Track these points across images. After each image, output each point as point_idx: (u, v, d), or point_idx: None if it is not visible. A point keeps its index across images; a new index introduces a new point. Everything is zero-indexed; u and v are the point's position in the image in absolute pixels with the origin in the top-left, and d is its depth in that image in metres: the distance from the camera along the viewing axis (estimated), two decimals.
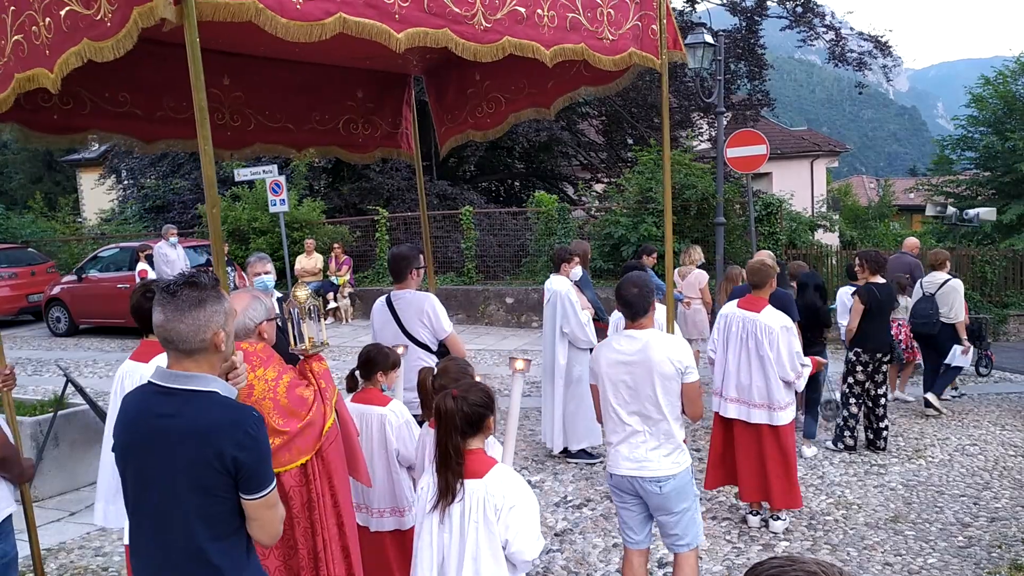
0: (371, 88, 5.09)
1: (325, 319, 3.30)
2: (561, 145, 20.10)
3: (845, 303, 7.17)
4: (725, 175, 12.71)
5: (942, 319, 7.40)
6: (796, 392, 4.94)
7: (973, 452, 6.43)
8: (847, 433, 6.48)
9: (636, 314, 3.45)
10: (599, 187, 20.04)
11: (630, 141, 19.78)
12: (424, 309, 4.54)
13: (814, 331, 6.25)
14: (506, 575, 2.52)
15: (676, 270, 8.60)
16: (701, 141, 18.51)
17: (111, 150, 20.59)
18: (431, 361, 4.40)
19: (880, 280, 6.43)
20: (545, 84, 4.52)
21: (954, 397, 8.17)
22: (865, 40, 19.30)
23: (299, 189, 16.53)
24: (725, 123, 13.35)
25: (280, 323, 3.53)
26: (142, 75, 4.03)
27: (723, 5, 18.42)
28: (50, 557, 4.77)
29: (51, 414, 5.84)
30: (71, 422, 6.03)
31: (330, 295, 13.89)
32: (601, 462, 6.17)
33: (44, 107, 3.79)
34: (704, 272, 8.44)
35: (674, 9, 19.14)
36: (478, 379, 2.80)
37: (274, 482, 2.14)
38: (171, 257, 11.94)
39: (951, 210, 12.55)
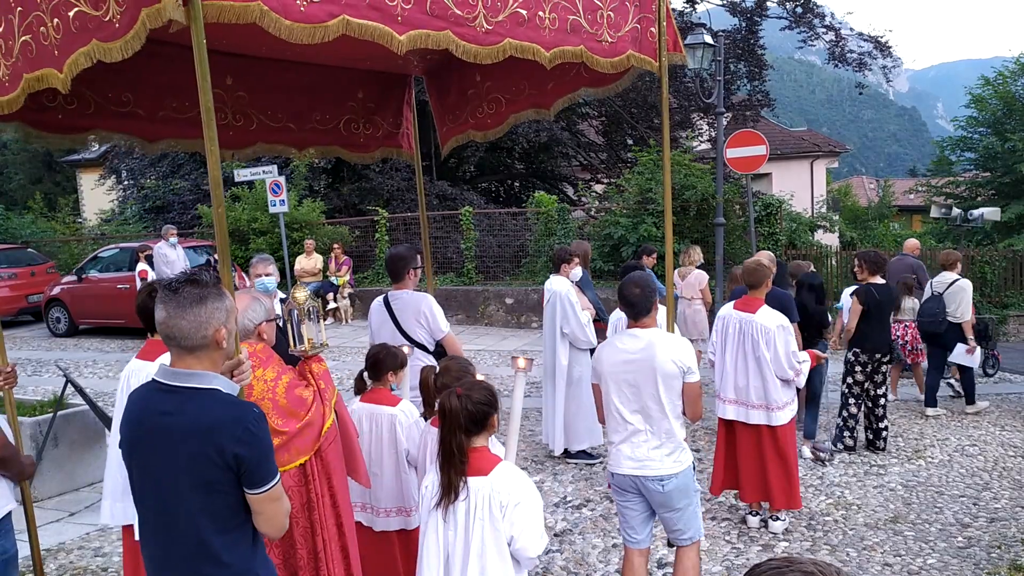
0: (372, 88, 5.11)
1: (325, 319, 3.30)
2: (561, 145, 20.12)
3: (848, 304, 7.18)
4: (725, 175, 12.71)
5: (949, 318, 7.44)
6: (797, 389, 4.94)
7: (973, 453, 6.44)
8: (846, 433, 6.48)
9: (639, 314, 3.47)
10: (599, 187, 20.06)
11: (630, 142, 19.80)
12: (421, 309, 4.56)
13: (809, 331, 6.25)
14: (511, 572, 2.54)
15: (676, 270, 8.60)
16: (701, 141, 18.52)
17: (111, 150, 20.61)
18: (428, 361, 4.42)
19: (879, 281, 6.43)
20: (545, 85, 4.55)
21: (952, 397, 8.18)
22: (865, 40, 19.31)
23: (299, 189, 16.54)
24: (725, 123, 13.35)
25: (280, 324, 3.54)
26: (146, 75, 4.05)
27: (723, 5, 18.43)
28: (49, 557, 4.78)
29: (51, 414, 5.84)
30: (71, 422, 6.03)
31: (330, 295, 13.89)
32: (601, 462, 6.17)
33: (49, 107, 3.81)
34: (703, 272, 8.43)
35: (674, 10, 19.10)
36: (480, 378, 2.81)
37: (278, 476, 2.16)
38: (171, 257, 11.95)
39: (956, 211, 12.55)
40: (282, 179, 13.85)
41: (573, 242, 9.24)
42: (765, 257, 6.14)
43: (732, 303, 5.05)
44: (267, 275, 5.11)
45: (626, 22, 3.78)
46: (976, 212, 12.34)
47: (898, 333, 7.96)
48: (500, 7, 3.23)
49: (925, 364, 8.04)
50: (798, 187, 20.16)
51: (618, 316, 5.43)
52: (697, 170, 13.31)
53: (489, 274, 14.86)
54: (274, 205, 13.85)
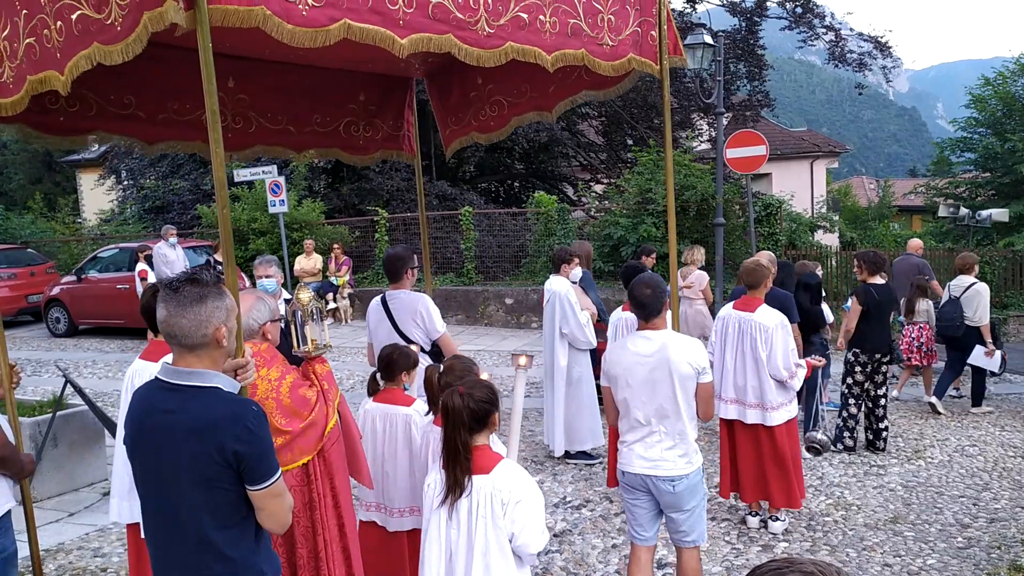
0: (373, 91, 5.13)
1: (324, 320, 3.33)
2: (561, 146, 20.13)
3: None
4: (725, 176, 12.71)
5: (966, 322, 7.48)
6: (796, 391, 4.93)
7: (973, 453, 6.44)
8: (846, 434, 6.48)
9: (650, 314, 3.49)
10: (599, 188, 20.05)
11: (630, 142, 19.81)
12: (417, 309, 4.59)
13: (806, 331, 6.24)
14: (514, 568, 2.57)
15: (679, 271, 8.60)
16: (701, 142, 18.52)
17: (111, 151, 20.61)
18: (424, 361, 4.43)
19: (879, 281, 6.43)
20: (547, 88, 4.58)
21: (955, 397, 8.18)
22: (865, 41, 19.32)
23: (298, 190, 16.54)
24: (725, 124, 13.35)
25: (283, 325, 3.55)
26: (147, 78, 4.09)
27: (723, 6, 18.44)
28: (48, 558, 4.78)
29: (50, 415, 5.83)
30: (70, 423, 6.03)
31: (329, 296, 13.89)
32: (600, 463, 6.17)
33: (52, 109, 3.84)
34: (704, 273, 8.42)
35: (674, 10, 19.17)
36: (484, 377, 2.83)
37: (279, 472, 2.19)
38: (170, 258, 11.94)
39: (963, 211, 12.57)
40: (282, 179, 13.86)
41: (575, 243, 9.24)
42: (765, 257, 6.14)
43: (732, 303, 5.06)
44: (267, 277, 5.12)
45: (627, 26, 3.81)
46: (984, 213, 12.37)
47: (912, 335, 7.98)
48: (501, 11, 3.25)
49: (937, 365, 8.08)
50: (798, 187, 20.17)
51: (618, 316, 5.43)
52: (697, 170, 13.31)
53: (489, 274, 14.87)
54: (274, 205, 13.85)
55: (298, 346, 3.17)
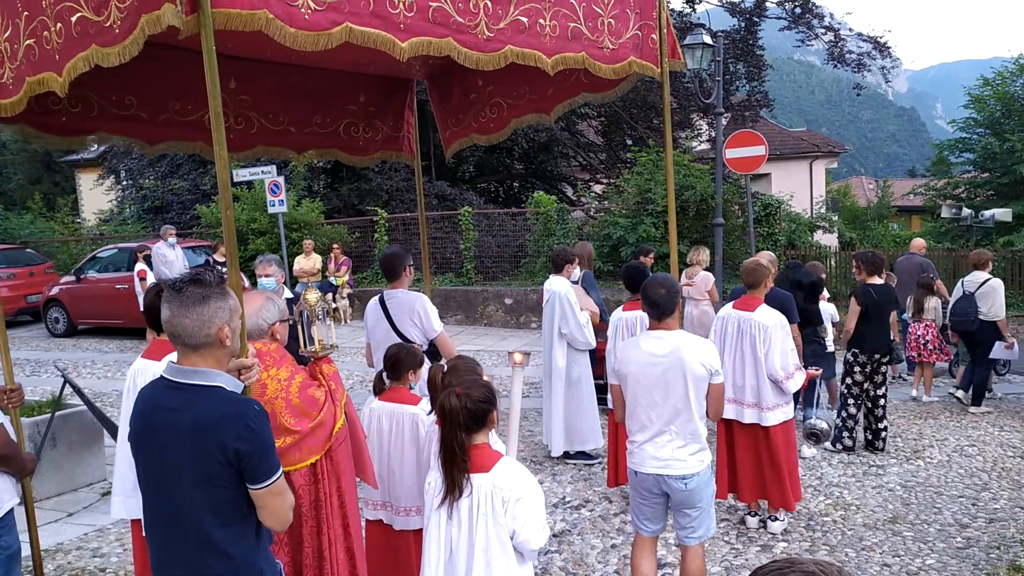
0: (374, 92, 5.16)
1: (331, 320, 3.35)
2: (560, 146, 20.13)
3: None
4: (724, 176, 12.71)
5: (981, 317, 7.54)
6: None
7: (971, 453, 6.44)
8: (845, 434, 6.49)
9: (663, 314, 3.52)
10: (598, 188, 20.05)
11: (629, 142, 19.81)
12: (415, 308, 4.61)
13: (803, 331, 6.24)
14: (515, 565, 2.59)
15: (683, 271, 8.61)
16: (700, 142, 18.52)
17: (110, 151, 20.59)
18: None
19: (877, 281, 6.44)
20: (545, 91, 4.61)
21: (955, 396, 8.19)
22: (864, 41, 19.33)
23: (298, 190, 16.54)
24: (724, 124, 13.35)
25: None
26: (149, 79, 4.10)
27: (722, 6, 18.44)
28: (47, 558, 4.77)
29: (49, 415, 5.83)
30: (69, 423, 6.02)
31: (329, 296, 13.88)
32: (599, 463, 6.17)
33: (54, 110, 3.87)
34: (710, 274, 8.41)
35: (673, 10, 19.20)
36: (486, 378, 2.85)
37: (280, 471, 2.21)
38: (169, 258, 11.93)
39: (966, 212, 12.61)
40: (281, 179, 13.85)
41: (576, 243, 9.23)
42: (765, 257, 6.15)
43: (731, 303, 5.07)
44: (267, 276, 5.13)
45: (627, 29, 3.83)
46: (987, 213, 12.41)
47: (919, 332, 8.04)
48: (501, 15, 3.27)
49: (941, 365, 8.11)
50: (797, 187, 20.18)
51: (618, 316, 5.42)
52: (696, 170, 13.31)
53: (488, 274, 14.87)
54: (273, 205, 13.84)
55: (305, 346, 3.19)
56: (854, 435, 6.50)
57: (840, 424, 6.54)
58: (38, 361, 11.62)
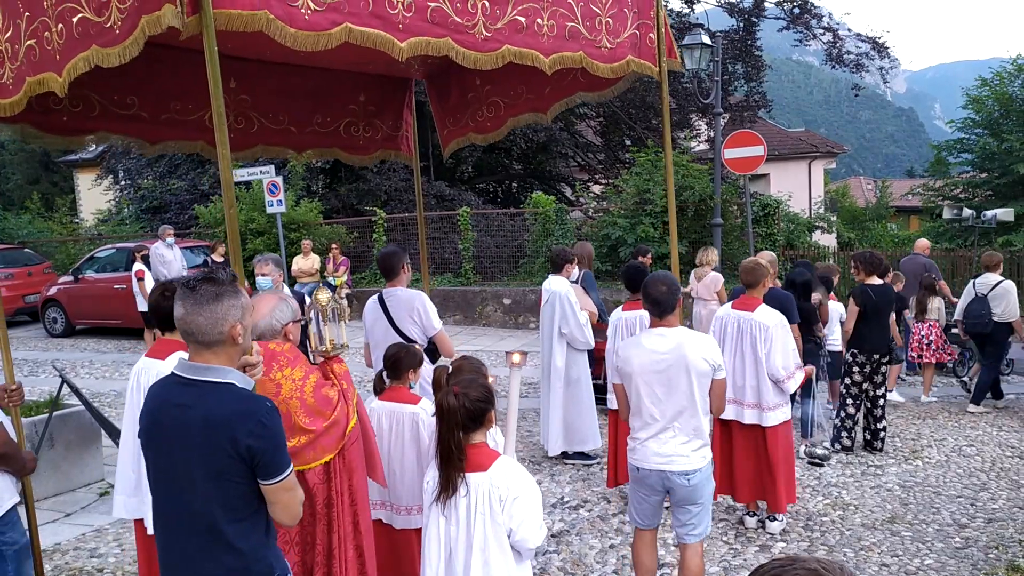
0: (373, 92, 5.17)
1: (342, 320, 3.37)
2: (559, 146, 20.12)
3: None
4: (723, 176, 12.72)
5: (995, 319, 7.57)
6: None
7: (970, 453, 6.44)
8: (844, 434, 6.49)
9: (664, 311, 3.53)
10: (597, 188, 20.05)
11: (628, 142, 19.80)
12: (415, 306, 4.62)
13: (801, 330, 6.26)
14: (512, 564, 2.60)
15: (692, 271, 8.64)
16: (699, 142, 18.53)
17: (108, 151, 20.58)
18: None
19: (876, 281, 6.44)
20: (543, 90, 4.62)
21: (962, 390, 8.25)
22: (862, 41, 19.34)
23: (296, 190, 16.53)
24: (723, 124, 13.36)
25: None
26: (150, 79, 4.12)
27: (721, 6, 18.45)
28: (45, 558, 4.75)
29: (46, 415, 5.82)
30: (66, 423, 6.01)
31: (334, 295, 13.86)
32: (598, 463, 6.17)
33: (55, 109, 3.88)
34: (719, 274, 8.42)
35: (672, 10, 19.21)
36: (491, 379, 2.86)
37: (291, 466, 2.24)
38: (168, 258, 11.91)
39: (967, 212, 12.61)
40: (279, 179, 13.83)
41: (577, 243, 9.22)
42: (765, 257, 6.16)
43: (730, 303, 5.07)
44: (263, 275, 5.13)
45: (625, 28, 3.85)
46: (989, 213, 12.41)
47: (923, 333, 8.05)
48: (499, 15, 3.29)
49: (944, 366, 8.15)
50: (796, 188, 20.17)
51: (618, 316, 5.42)
52: (695, 171, 13.32)
53: (487, 274, 14.86)
54: (271, 205, 13.83)
55: (315, 345, 3.22)
56: (853, 435, 6.50)
57: (839, 424, 6.55)
58: (36, 361, 11.61)
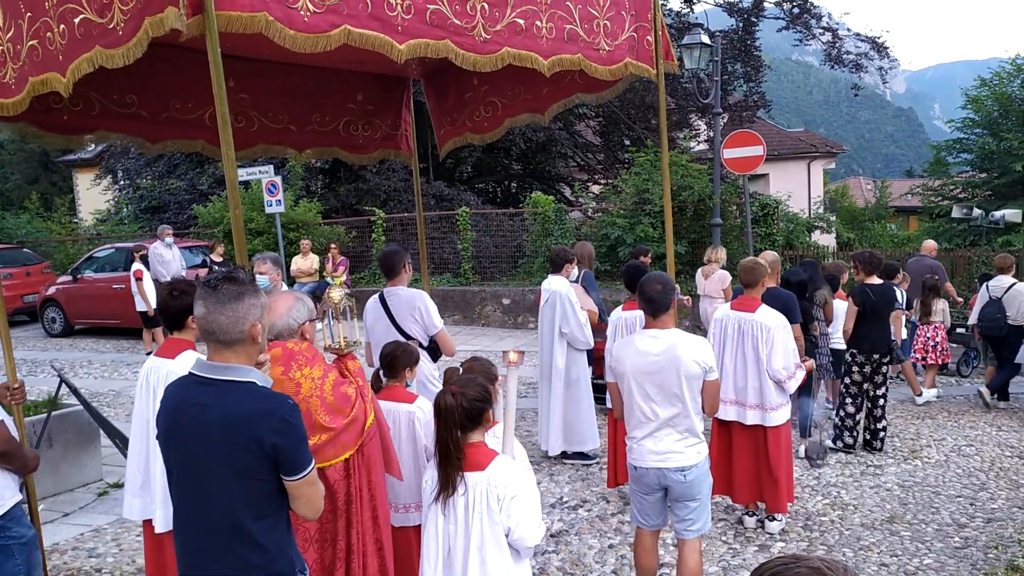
0: (372, 91, 5.18)
1: (321, 319, 3.39)
2: (558, 146, 20.12)
3: None
4: (722, 176, 12.71)
5: (1009, 321, 7.58)
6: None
7: (969, 453, 6.44)
8: (844, 433, 6.49)
9: (658, 311, 3.54)
10: (596, 188, 20.04)
11: (627, 142, 19.80)
12: (416, 305, 4.63)
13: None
14: (510, 562, 2.62)
15: (700, 269, 8.66)
16: (698, 142, 18.52)
17: (107, 150, 20.57)
18: (422, 357, 4.45)
19: (876, 281, 6.44)
20: (540, 91, 4.64)
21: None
22: (862, 41, 19.34)
23: (295, 190, 16.52)
24: (722, 124, 13.35)
25: None
26: (151, 78, 4.13)
27: (720, 6, 18.45)
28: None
29: (45, 415, 5.81)
30: (65, 423, 6.01)
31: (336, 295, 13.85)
32: (597, 463, 6.16)
33: (55, 108, 3.89)
34: (727, 272, 8.43)
35: (671, 10, 19.20)
36: (500, 379, 2.86)
37: (312, 462, 2.27)
38: (167, 258, 11.91)
39: (976, 212, 12.64)
40: (278, 179, 13.83)
41: (577, 244, 9.23)
42: (768, 257, 6.16)
43: (729, 303, 5.06)
44: (260, 274, 5.13)
45: (623, 31, 3.87)
46: (998, 213, 12.45)
47: (928, 334, 8.04)
48: (498, 17, 3.31)
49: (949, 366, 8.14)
50: (795, 188, 20.16)
51: (618, 316, 5.42)
52: (694, 171, 13.31)
53: (486, 274, 14.86)
54: (270, 205, 13.83)
55: (329, 343, 3.25)
56: (853, 435, 6.50)
57: (839, 424, 6.55)
58: (35, 361, 11.60)
